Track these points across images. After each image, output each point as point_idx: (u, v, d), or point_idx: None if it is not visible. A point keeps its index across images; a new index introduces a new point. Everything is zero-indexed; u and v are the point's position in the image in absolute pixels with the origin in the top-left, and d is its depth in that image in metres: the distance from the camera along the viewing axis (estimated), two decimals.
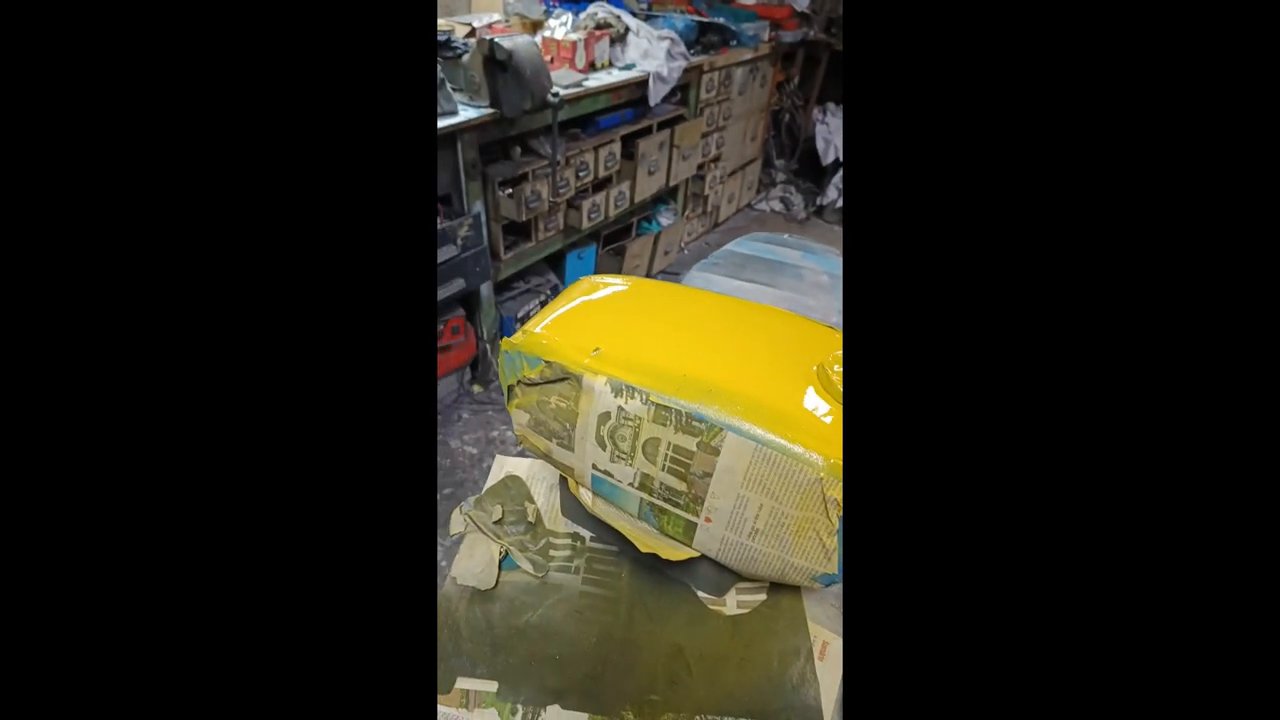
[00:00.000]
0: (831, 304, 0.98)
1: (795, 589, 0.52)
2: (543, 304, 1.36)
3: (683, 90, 2.17)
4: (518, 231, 1.69)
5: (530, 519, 0.56)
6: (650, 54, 1.95)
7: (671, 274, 2.32)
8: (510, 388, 0.47)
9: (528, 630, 0.48)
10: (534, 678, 0.45)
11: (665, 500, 0.44)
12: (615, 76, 1.81)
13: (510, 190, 1.54)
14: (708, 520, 0.43)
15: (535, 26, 1.90)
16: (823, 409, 0.39)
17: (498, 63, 1.37)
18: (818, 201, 2.98)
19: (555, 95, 1.43)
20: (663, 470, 0.42)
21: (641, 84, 1.89)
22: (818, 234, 2.67)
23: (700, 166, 2.37)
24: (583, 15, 1.94)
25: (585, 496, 0.50)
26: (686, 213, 2.45)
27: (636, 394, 0.40)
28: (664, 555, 0.47)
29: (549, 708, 0.43)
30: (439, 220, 1.41)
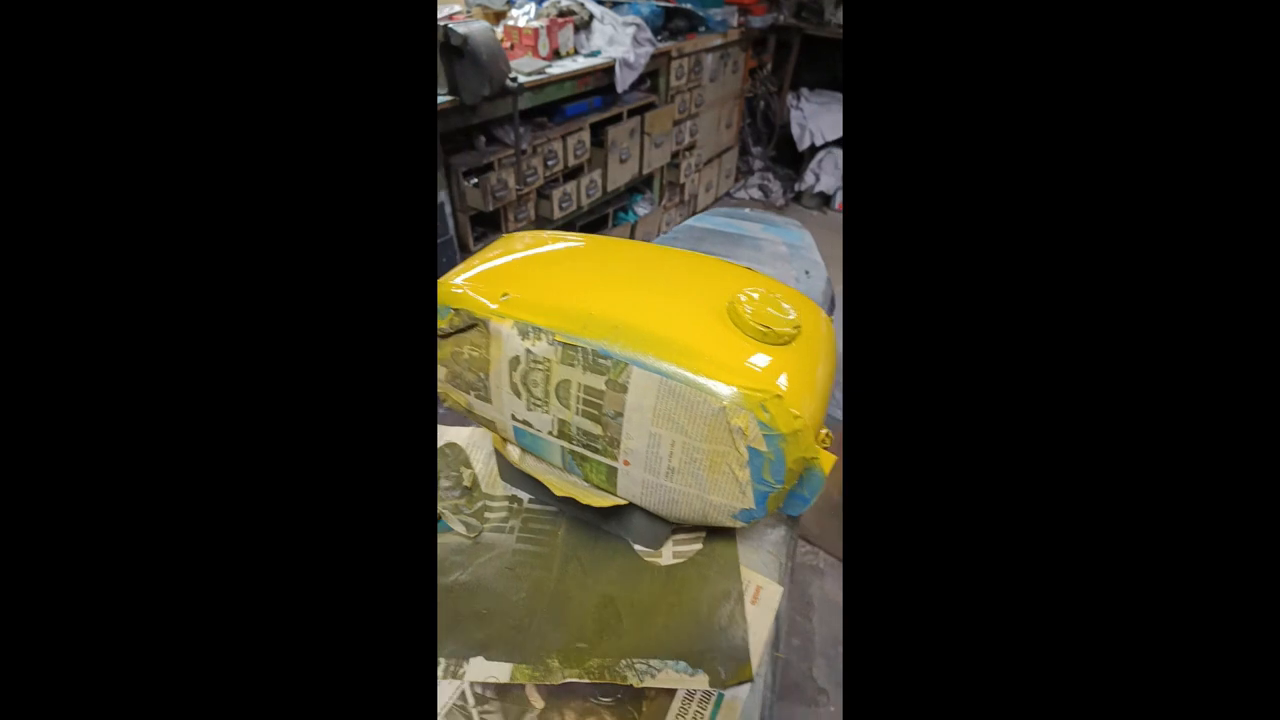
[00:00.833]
0: (788, 272, 0.98)
1: (730, 538, 0.51)
2: None
3: (652, 77, 2.17)
4: (487, 222, 1.68)
5: (466, 483, 0.56)
6: (616, 40, 1.95)
7: None
8: None
9: (455, 588, 0.47)
10: (459, 632, 0.44)
11: (584, 446, 0.43)
12: (580, 63, 1.81)
13: (476, 180, 1.54)
14: (626, 463, 0.42)
15: (498, 16, 1.89)
16: (730, 342, 0.39)
17: (454, 49, 1.37)
18: (795, 188, 2.98)
19: (514, 80, 1.42)
20: (577, 414, 0.42)
21: (608, 71, 1.89)
22: (796, 219, 2.68)
23: (674, 155, 2.37)
24: (545, 4, 1.94)
25: (513, 453, 0.49)
26: (663, 202, 2.44)
27: (543, 335, 0.40)
28: (592, 504, 0.46)
29: (473, 659, 0.42)
30: None
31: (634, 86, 2.04)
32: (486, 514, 0.54)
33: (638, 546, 0.51)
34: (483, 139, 1.61)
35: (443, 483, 0.56)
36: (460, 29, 1.36)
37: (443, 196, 1.51)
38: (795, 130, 2.89)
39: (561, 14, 1.88)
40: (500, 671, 0.42)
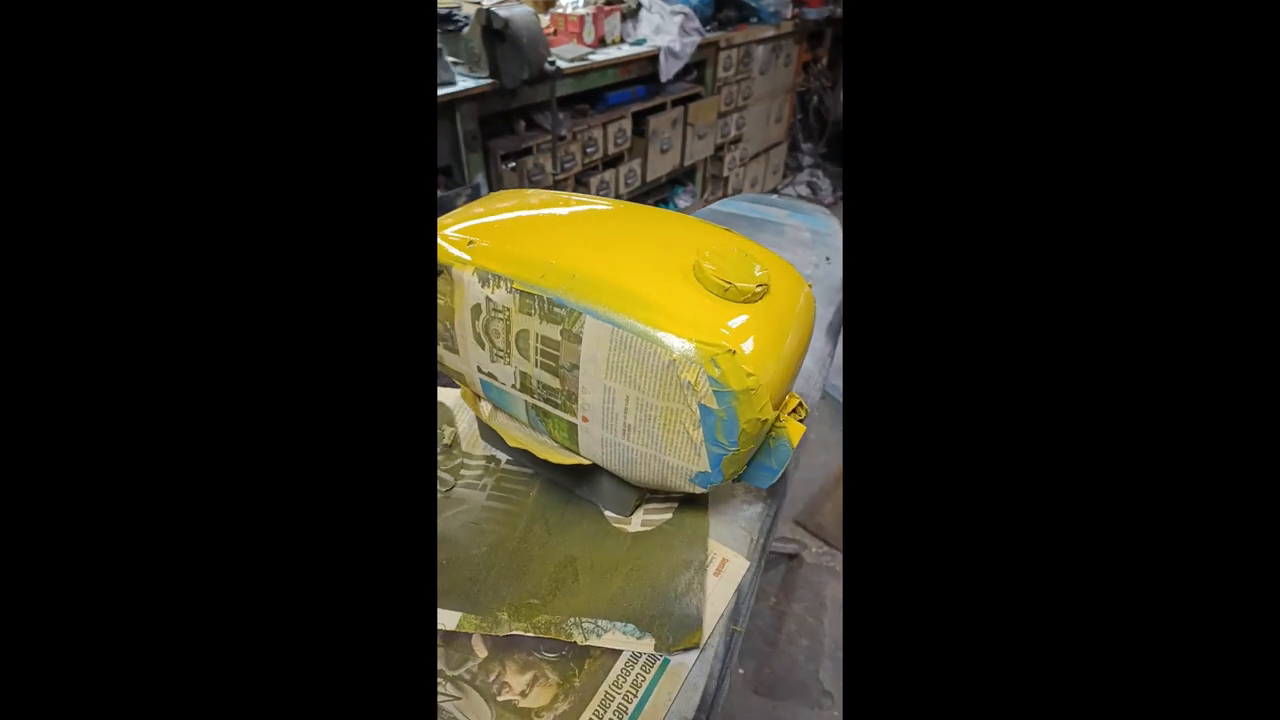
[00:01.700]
0: (808, 257, 0.95)
1: (702, 509, 0.50)
2: None
3: (699, 68, 2.15)
4: None
5: (446, 441, 0.57)
6: (662, 29, 1.94)
7: None
8: None
9: None
10: None
11: (545, 401, 0.43)
12: (625, 51, 1.81)
13: (513, 164, 1.56)
14: (585, 420, 0.42)
15: (547, 4, 1.91)
16: (688, 296, 0.38)
17: (495, 32, 1.39)
18: None
19: (552, 64, 1.43)
20: (536, 366, 0.41)
21: (653, 59, 1.88)
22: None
23: (719, 147, 2.34)
24: None
25: (484, 408, 0.50)
26: (706, 195, 2.42)
27: (502, 282, 0.40)
28: (555, 461, 0.46)
29: None
30: (438, 190, 1.44)
31: (679, 76, 2.02)
32: (463, 471, 0.54)
33: (608, 513, 0.51)
34: (523, 124, 1.64)
35: None
36: (502, 12, 1.38)
37: (480, 179, 1.54)
38: None
39: (609, 2, 1.88)
40: (448, 619, 0.42)
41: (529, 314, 0.39)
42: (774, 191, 2.88)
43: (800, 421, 0.44)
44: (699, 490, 0.42)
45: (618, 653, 0.41)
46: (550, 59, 1.44)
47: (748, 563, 0.47)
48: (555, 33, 1.72)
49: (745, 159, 2.54)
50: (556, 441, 0.46)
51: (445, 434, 0.57)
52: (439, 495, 0.52)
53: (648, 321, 0.36)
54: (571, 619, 0.42)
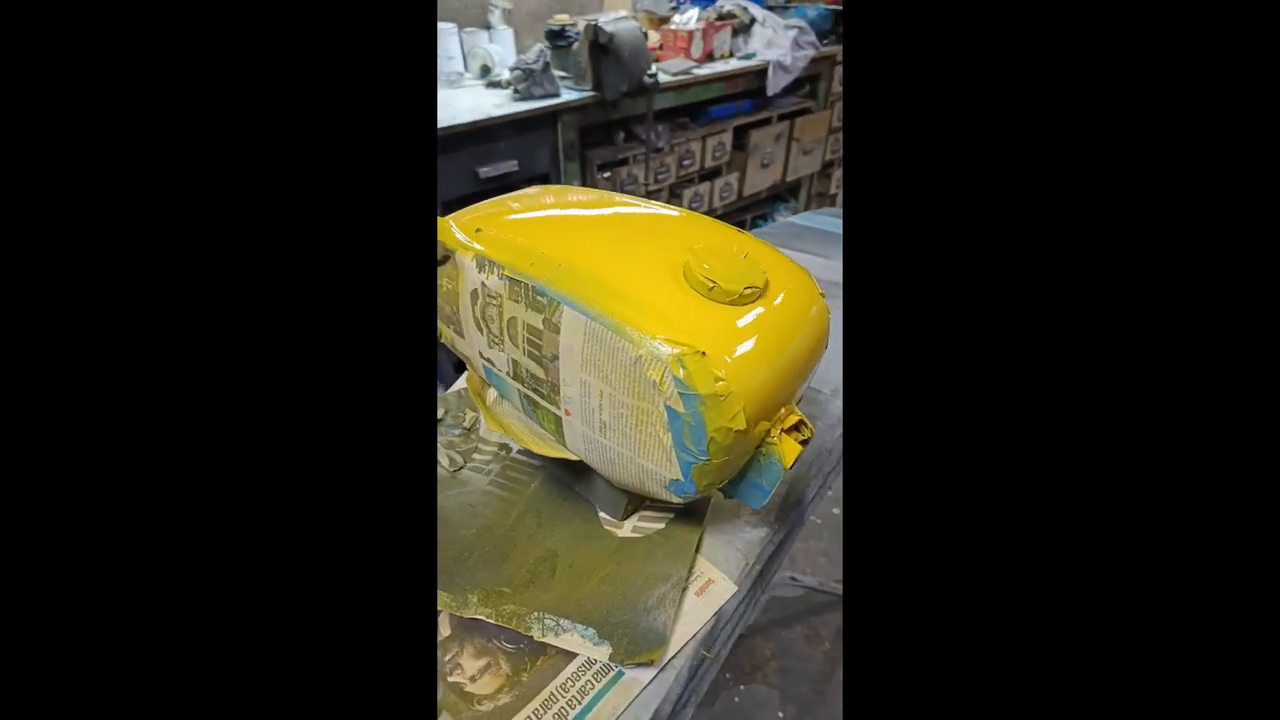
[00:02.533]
0: None
1: (696, 525, 0.47)
2: None
3: (812, 82, 2.10)
4: None
5: (467, 425, 0.58)
6: (775, 43, 1.92)
7: None
8: None
9: None
10: None
11: (534, 391, 0.43)
12: (732, 65, 1.81)
13: (608, 173, 1.60)
14: (567, 413, 0.41)
15: (661, 21, 1.96)
16: (670, 293, 0.36)
17: (601, 46, 1.44)
18: None
19: (651, 77, 1.46)
20: (524, 355, 0.41)
21: (760, 73, 1.86)
22: None
23: (827, 164, 2.26)
24: (709, 9, 1.96)
25: (490, 395, 0.51)
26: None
27: (495, 269, 0.40)
28: (545, 453, 0.46)
29: None
30: None
31: (790, 91, 1.98)
32: (475, 455, 0.56)
33: (602, 514, 0.49)
34: (622, 135, 1.68)
35: (448, 422, 0.59)
36: (608, 27, 1.43)
37: (578, 185, 1.59)
38: None
39: (721, 17, 1.89)
40: None
41: (516, 301, 0.40)
42: None
43: (801, 442, 0.41)
44: (676, 500, 0.40)
45: (573, 656, 0.39)
46: (650, 72, 1.47)
47: (734, 588, 0.44)
48: (661, 48, 1.75)
49: None
50: (548, 433, 0.46)
51: (467, 418, 0.59)
52: (446, 474, 0.53)
53: (617, 314, 0.35)
54: (535, 613, 0.41)
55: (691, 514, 0.49)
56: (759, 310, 0.37)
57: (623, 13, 2.01)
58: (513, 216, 0.47)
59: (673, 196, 1.81)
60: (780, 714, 1.05)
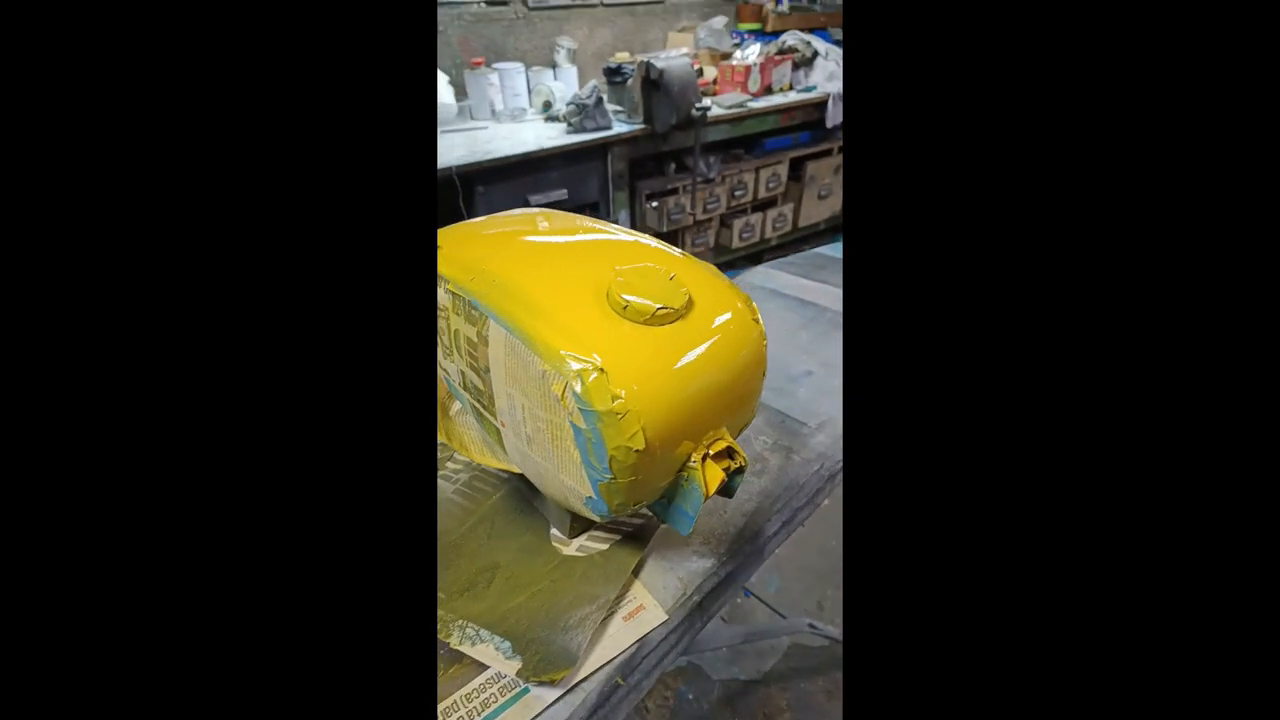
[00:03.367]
0: None
1: (638, 549, 0.47)
2: None
3: None
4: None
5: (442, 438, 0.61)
6: (836, 76, 1.90)
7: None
8: None
9: None
10: None
11: (477, 402, 0.44)
12: (790, 98, 1.80)
13: (655, 203, 1.63)
14: (503, 424, 0.42)
15: (724, 58, 1.99)
16: (586, 310, 0.37)
17: (652, 81, 1.49)
18: None
19: (700, 110, 1.48)
20: (467, 367, 0.43)
21: (819, 106, 1.84)
22: None
23: None
24: (771, 43, 1.98)
25: (454, 407, 0.53)
26: None
27: (443, 283, 0.43)
28: (490, 465, 0.47)
29: None
30: None
31: None
32: (448, 464, 0.58)
33: (554, 531, 0.50)
34: (673, 166, 1.71)
35: None
36: (658, 64, 1.48)
37: (624, 215, 1.64)
38: None
39: (781, 52, 1.90)
40: None
41: (458, 314, 0.42)
42: None
43: (732, 471, 0.40)
44: (595, 517, 0.40)
45: (485, 667, 0.40)
46: (697, 105, 1.49)
47: (664, 615, 0.43)
48: (715, 82, 1.77)
49: None
50: (496, 445, 0.47)
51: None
52: None
53: (530, 328, 0.36)
54: (460, 621, 0.42)
55: (639, 537, 0.48)
56: (674, 332, 0.37)
57: (683, 50, 2.06)
58: (488, 233, 0.50)
59: (723, 226, 1.81)
60: None
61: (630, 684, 0.40)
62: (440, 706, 0.37)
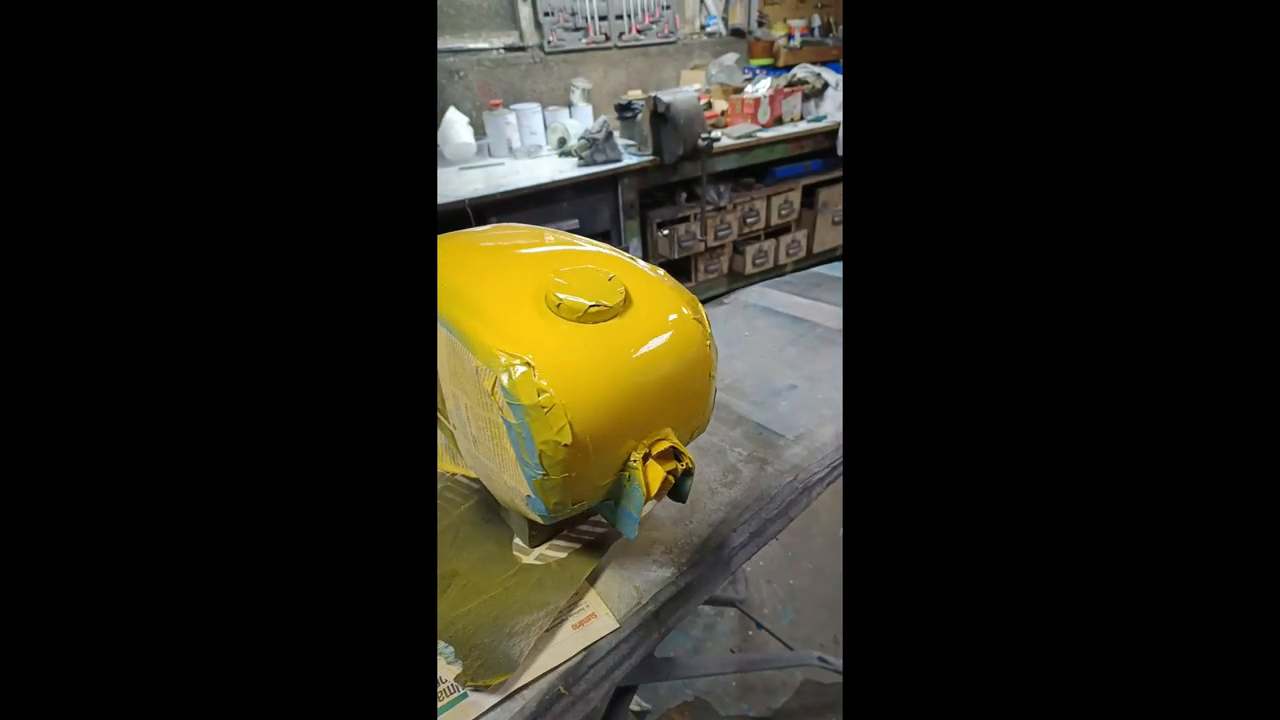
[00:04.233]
0: None
1: (594, 557, 0.46)
2: None
3: None
4: (677, 270, 1.78)
5: None
6: None
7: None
8: None
9: None
10: None
11: (437, 407, 0.45)
12: (800, 128, 1.83)
13: (666, 231, 1.66)
14: (454, 427, 0.43)
15: (735, 92, 2.03)
16: (524, 310, 0.37)
17: (660, 115, 1.53)
18: None
19: (704, 141, 1.51)
20: None
21: (830, 134, 1.86)
22: None
23: None
24: (780, 76, 2.02)
25: None
26: None
27: None
28: (450, 471, 0.47)
29: None
30: None
31: None
32: None
33: (516, 540, 0.50)
34: (684, 195, 1.74)
35: None
36: (666, 98, 1.52)
37: (636, 244, 1.66)
38: None
39: (791, 84, 1.93)
40: None
41: None
42: None
43: (679, 474, 0.39)
44: (536, 518, 0.40)
45: None
46: (703, 136, 1.53)
47: (615, 624, 0.42)
48: (722, 114, 1.81)
49: None
50: (455, 450, 0.48)
51: None
52: None
53: (467, 327, 0.37)
54: None
55: (600, 546, 0.47)
56: (610, 330, 0.37)
57: (694, 86, 2.12)
58: (451, 244, 0.51)
59: (736, 253, 1.82)
60: None
61: (575, 694, 0.39)
62: None
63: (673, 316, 0.40)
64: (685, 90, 1.59)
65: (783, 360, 0.73)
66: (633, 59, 2.07)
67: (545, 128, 1.85)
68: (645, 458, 0.38)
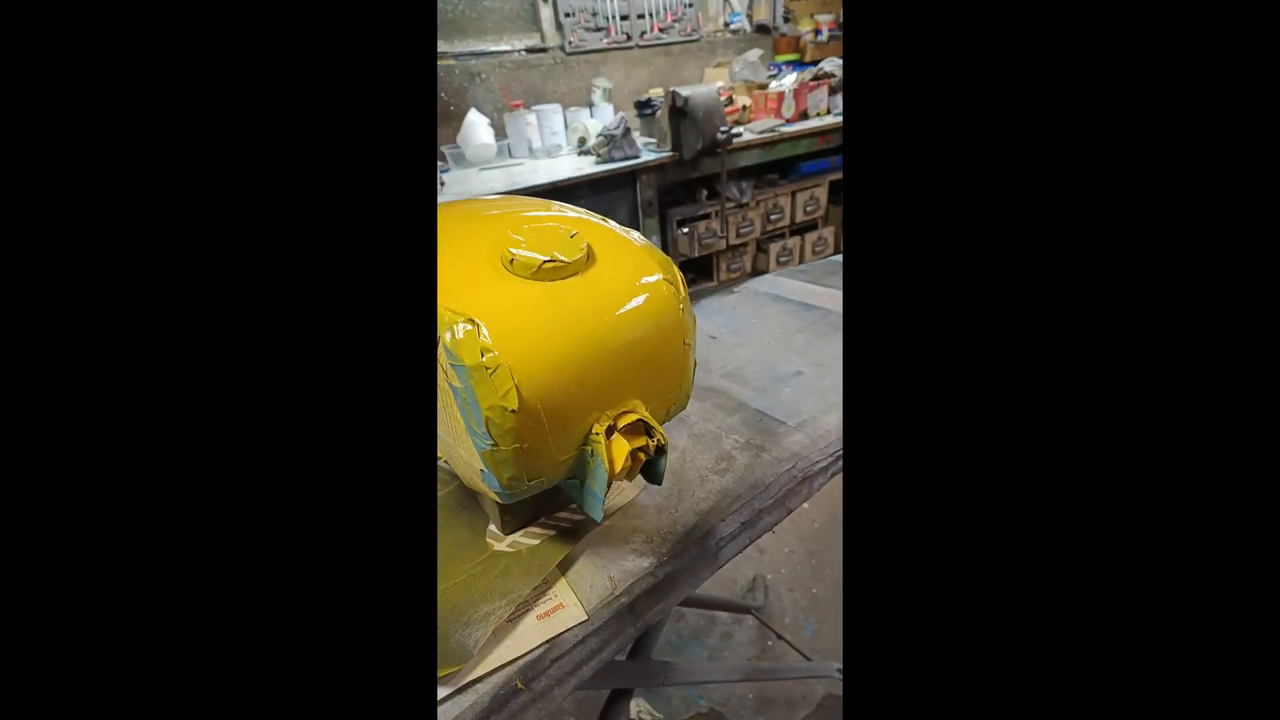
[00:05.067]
0: None
1: (566, 545, 0.43)
2: None
3: None
4: (697, 268, 1.74)
5: None
6: None
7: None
8: None
9: None
10: None
11: None
12: (825, 122, 1.77)
13: (686, 228, 1.62)
14: None
15: (760, 87, 2.00)
16: (479, 268, 0.35)
17: (679, 110, 1.50)
18: None
19: (724, 134, 1.48)
20: None
21: None
22: None
23: None
24: (806, 71, 1.97)
25: None
26: None
27: None
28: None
29: None
30: None
31: None
32: None
33: (490, 527, 0.47)
34: (704, 192, 1.70)
35: None
36: (684, 93, 1.49)
37: (655, 241, 1.63)
38: None
39: (816, 78, 1.88)
40: None
41: None
42: None
43: (650, 451, 0.36)
44: (494, 496, 0.37)
45: None
46: (722, 131, 1.49)
47: (584, 616, 0.38)
48: (744, 109, 1.77)
49: None
50: None
51: None
52: None
53: None
54: None
55: (574, 534, 0.44)
56: (567, 288, 0.34)
57: (719, 83, 2.09)
58: (452, 212, 0.49)
59: (759, 251, 1.77)
60: None
61: (535, 690, 0.36)
62: None
63: (645, 279, 0.37)
64: (704, 86, 1.56)
65: (790, 347, 0.69)
66: (655, 58, 2.05)
67: (566, 128, 1.84)
68: (610, 430, 0.35)
